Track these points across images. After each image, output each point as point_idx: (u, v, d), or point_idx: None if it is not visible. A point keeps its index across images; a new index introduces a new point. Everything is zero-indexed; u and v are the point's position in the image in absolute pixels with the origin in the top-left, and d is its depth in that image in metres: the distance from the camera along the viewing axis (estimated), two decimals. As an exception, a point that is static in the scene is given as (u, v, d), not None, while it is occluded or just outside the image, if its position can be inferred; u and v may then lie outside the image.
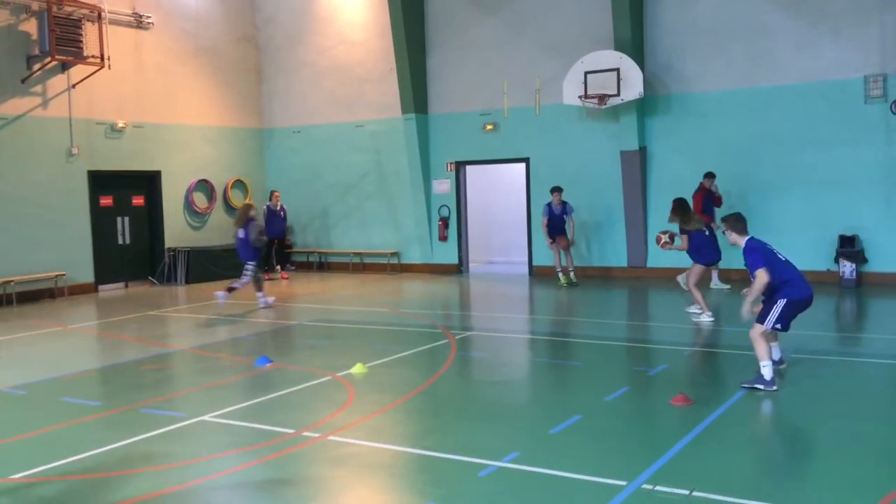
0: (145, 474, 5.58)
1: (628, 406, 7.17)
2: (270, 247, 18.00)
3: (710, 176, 14.13)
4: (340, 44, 18.75)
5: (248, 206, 13.84)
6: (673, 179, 15.15)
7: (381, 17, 17.88)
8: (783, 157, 14.35)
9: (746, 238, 7.61)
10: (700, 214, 12.54)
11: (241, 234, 13.40)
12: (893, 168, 13.53)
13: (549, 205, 15.03)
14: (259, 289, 13.41)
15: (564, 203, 15.02)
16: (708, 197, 14.16)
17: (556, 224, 15.00)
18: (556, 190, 14.97)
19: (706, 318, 10.90)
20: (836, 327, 10.96)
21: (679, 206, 11.24)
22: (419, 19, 17.55)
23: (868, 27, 13.69)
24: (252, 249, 13.37)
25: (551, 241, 15.06)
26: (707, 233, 11.28)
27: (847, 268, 13.59)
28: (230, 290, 13.29)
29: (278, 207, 18.20)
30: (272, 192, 18.43)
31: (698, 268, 11.19)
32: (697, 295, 11.06)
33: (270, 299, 13.44)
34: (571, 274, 15.08)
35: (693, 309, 11.33)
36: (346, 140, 18.84)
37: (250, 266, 13.31)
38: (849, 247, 13.60)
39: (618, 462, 5.56)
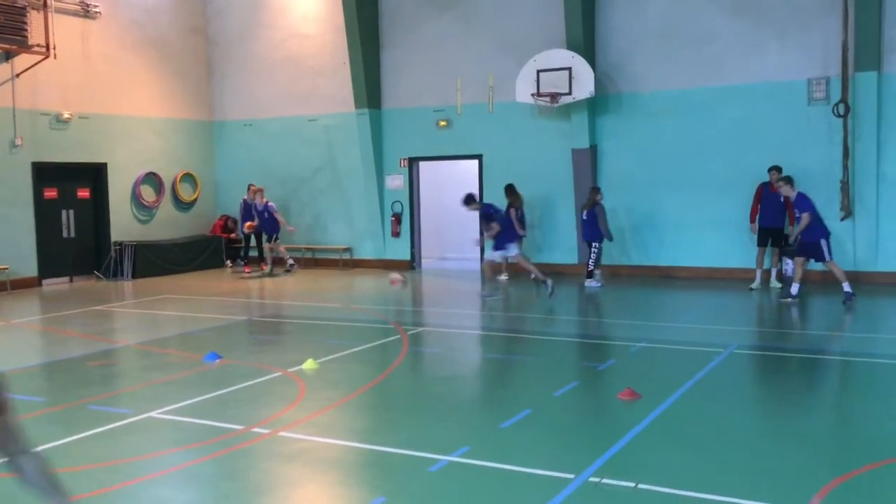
0: (91, 471, 5.50)
1: (577, 400, 7.28)
2: (249, 240, 17.81)
3: (772, 170, 13.40)
4: (293, 37, 18.59)
5: (596, 190, 14.58)
6: (623, 177, 15.40)
7: (334, 11, 17.77)
8: (729, 156, 14.64)
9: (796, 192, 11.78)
10: (755, 215, 13.60)
11: (584, 215, 14.47)
12: (835, 168, 13.88)
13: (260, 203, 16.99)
14: (590, 275, 14.35)
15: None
16: (769, 196, 13.37)
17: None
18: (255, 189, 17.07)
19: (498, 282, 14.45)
20: (779, 324, 11.24)
21: (508, 188, 15.12)
22: (373, 14, 17.48)
23: (811, 31, 14.04)
24: (597, 230, 14.27)
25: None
26: (516, 224, 14.41)
27: (790, 266, 13.93)
28: (590, 274, 14.28)
29: (255, 201, 17.62)
30: (250, 186, 17.71)
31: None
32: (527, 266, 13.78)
33: (597, 284, 14.24)
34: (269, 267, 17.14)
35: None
36: (299, 134, 18.69)
37: (595, 246, 14.34)
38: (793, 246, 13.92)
39: (566, 455, 5.65)
